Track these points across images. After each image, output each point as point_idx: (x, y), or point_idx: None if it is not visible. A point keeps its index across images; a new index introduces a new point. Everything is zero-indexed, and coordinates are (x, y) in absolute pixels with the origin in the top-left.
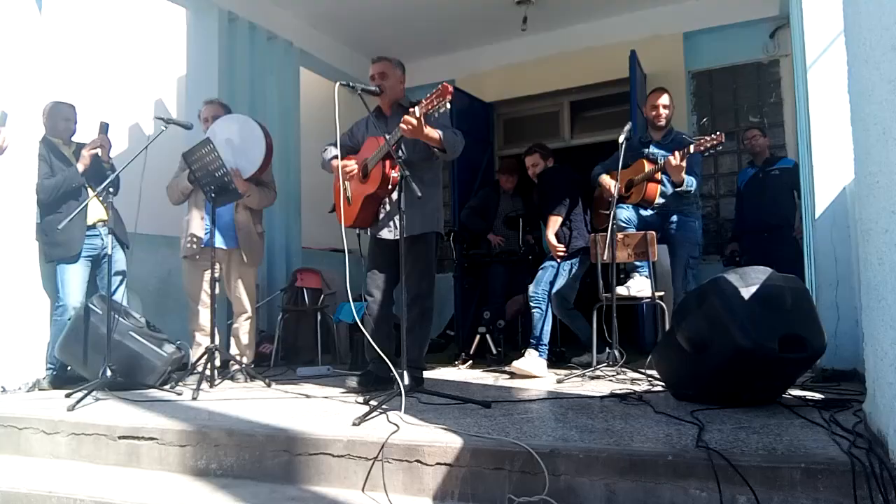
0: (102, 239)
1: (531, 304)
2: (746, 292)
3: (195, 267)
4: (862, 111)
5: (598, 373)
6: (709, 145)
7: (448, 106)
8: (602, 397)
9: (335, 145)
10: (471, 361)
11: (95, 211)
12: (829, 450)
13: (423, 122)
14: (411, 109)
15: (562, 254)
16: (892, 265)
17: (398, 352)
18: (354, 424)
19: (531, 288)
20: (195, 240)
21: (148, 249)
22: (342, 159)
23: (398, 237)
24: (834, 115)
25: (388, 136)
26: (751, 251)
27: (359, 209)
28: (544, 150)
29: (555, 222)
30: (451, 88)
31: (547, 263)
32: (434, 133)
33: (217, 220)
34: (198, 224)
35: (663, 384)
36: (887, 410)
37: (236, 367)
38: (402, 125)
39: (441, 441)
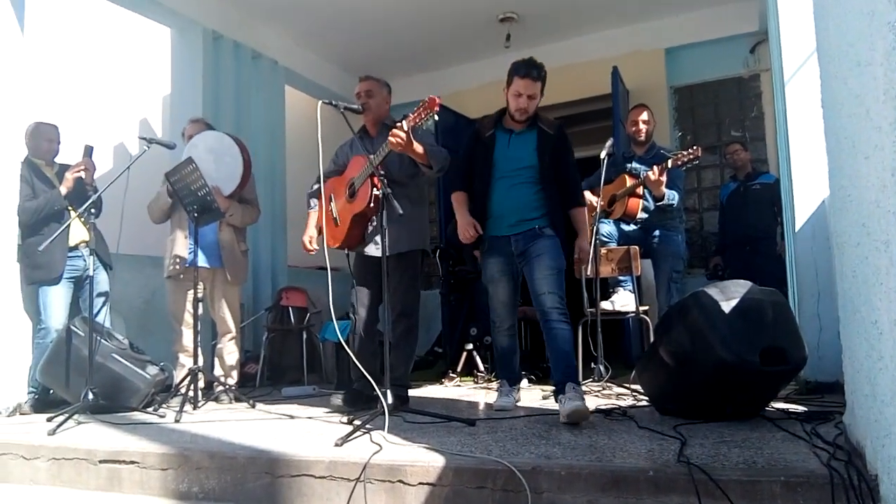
0: (85, 260)
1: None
2: (727, 306)
3: (179, 287)
4: (834, 125)
5: (583, 388)
6: (685, 160)
7: (436, 118)
8: None
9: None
10: (458, 378)
11: (78, 232)
12: (810, 462)
13: (410, 135)
14: (399, 123)
15: None
16: (865, 278)
17: (383, 369)
18: (337, 445)
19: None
20: (179, 261)
21: (132, 270)
22: (329, 183)
23: (382, 254)
24: (811, 129)
25: (371, 156)
26: (734, 265)
27: (347, 229)
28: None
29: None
30: (438, 100)
31: None
32: (419, 149)
33: (200, 240)
34: (182, 245)
35: (648, 399)
36: (864, 422)
37: (220, 388)
38: (390, 138)
39: (423, 461)
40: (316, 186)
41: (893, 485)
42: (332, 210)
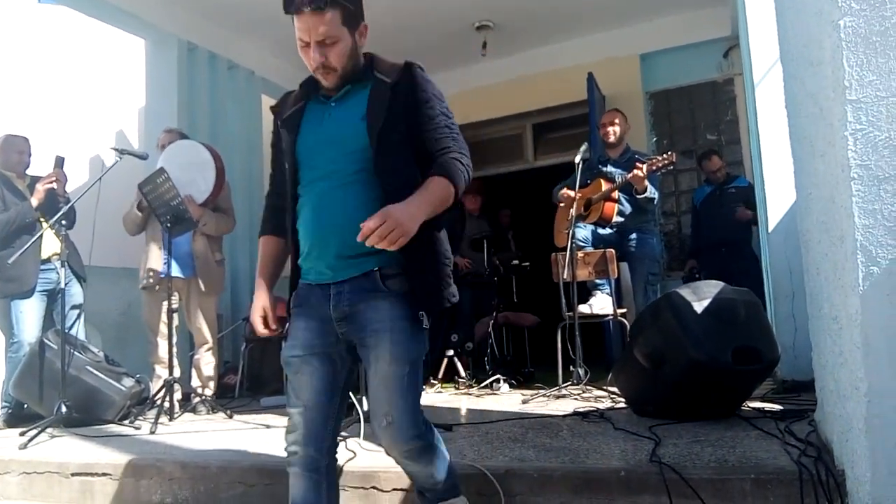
0: (58, 273)
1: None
2: (699, 306)
3: (155, 298)
4: (795, 126)
5: (563, 392)
6: (660, 164)
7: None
8: (564, 416)
9: None
10: (439, 385)
11: (50, 244)
12: (780, 460)
13: None
14: None
15: None
16: (826, 275)
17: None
18: None
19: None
20: (152, 274)
21: (107, 282)
22: None
23: None
24: (781, 131)
25: None
26: (709, 267)
27: None
28: None
29: None
30: None
31: None
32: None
33: (174, 250)
34: (156, 257)
35: (625, 401)
36: (832, 418)
37: (198, 399)
38: None
39: (397, 467)
40: None
41: (858, 480)
42: None
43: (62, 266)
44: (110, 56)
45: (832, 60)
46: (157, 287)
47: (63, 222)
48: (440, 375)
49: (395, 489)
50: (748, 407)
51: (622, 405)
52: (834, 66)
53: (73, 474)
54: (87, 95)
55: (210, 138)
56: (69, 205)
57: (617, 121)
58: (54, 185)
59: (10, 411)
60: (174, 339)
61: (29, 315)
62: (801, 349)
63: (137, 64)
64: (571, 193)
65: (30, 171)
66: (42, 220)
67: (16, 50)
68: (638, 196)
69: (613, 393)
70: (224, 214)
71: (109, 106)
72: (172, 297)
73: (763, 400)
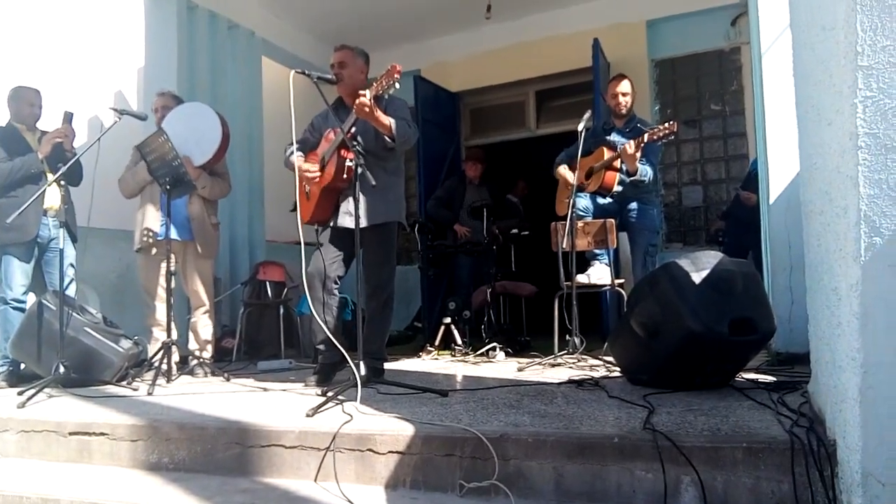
0: (50, 229)
1: None
2: (697, 277)
3: (151, 261)
4: (803, 94)
5: (558, 360)
6: (661, 134)
7: (397, 86)
8: (559, 384)
9: (299, 149)
10: (436, 352)
11: (50, 198)
12: (773, 430)
13: (373, 103)
14: (361, 92)
15: None
16: (827, 245)
17: (352, 342)
18: (308, 416)
19: None
20: (150, 233)
21: (106, 244)
22: (307, 158)
23: (356, 225)
24: (787, 100)
25: (341, 126)
26: (732, 233)
27: (316, 203)
28: None
29: None
30: (399, 68)
31: None
32: (385, 119)
33: (172, 213)
34: (152, 217)
35: (620, 370)
36: (825, 389)
37: (195, 362)
38: (356, 109)
39: (393, 429)
40: (290, 151)
41: (849, 449)
42: (304, 185)
43: (60, 226)
44: (109, 13)
45: (845, 24)
46: (155, 250)
47: (62, 182)
48: (437, 342)
49: (390, 451)
50: (742, 378)
51: (617, 374)
52: (847, 30)
53: (70, 433)
54: (86, 54)
55: (210, 100)
56: (74, 158)
57: (628, 89)
58: (62, 140)
59: (10, 370)
60: (172, 302)
61: (17, 270)
62: (797, 322)
63: (137, 23)
64: (570, 178)
65: (40, 125)
66: (47, 173)
67: (18, 7)
68: (630, 179)
69: (608, 362)
70: (220, 178)
71: (108, 65)
72: (171, 260)
73: (757, 371)
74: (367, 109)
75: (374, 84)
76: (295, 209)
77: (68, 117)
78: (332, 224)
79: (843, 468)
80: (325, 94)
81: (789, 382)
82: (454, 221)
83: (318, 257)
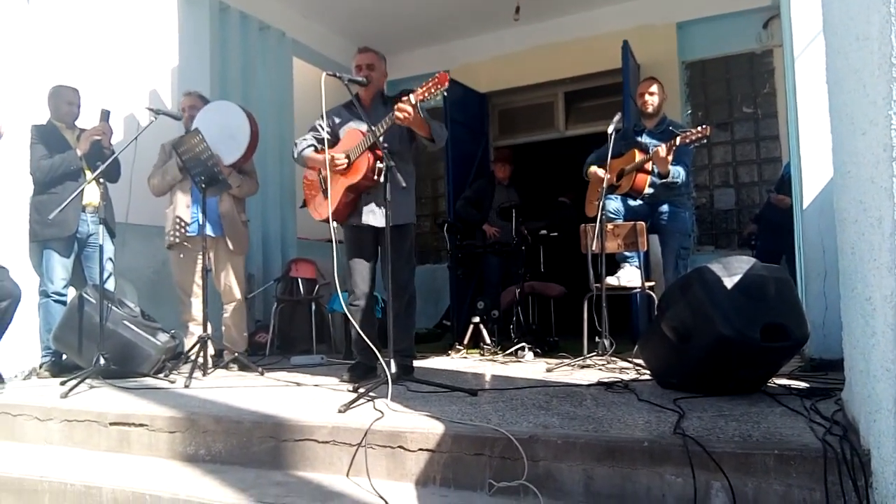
0: (89, 224)
1: None
2: (729, 282)
3: (185, 258)
4: (836, 102)
5: (588, 362)
6: (694, 138)
7: (444, 94)
8: (588, 386)
9: (312, 145)
10: (464, 351)
11: (89, 195)
12: (805, 437)
13: (417, 109)
14: (405, 97)
15: None
16: (861, 255)
17: (382, 340)
18: (340, 411)
19: None
20: (181, 223)
21: (142, 240)
22: (320, 151)
23: (386, 224)
24: (820, 104)
25: (373, 127)
26: (765, 237)
27: (338, 201)
28: None
29: None
30: (447, 77)
31: None
32: (426, 123)
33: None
34: (184, 208)
35: (650, 373)
36: (859, 398)
37: (230, 356)
38: (396, 113)
39: (423, 427)
40: (303, 146)
41: (883, 460)
42: (320, 182)
43: (99, 222)
44: (144, 14)
45: (880, 35)
46: (188, 244)
47: (100, 180)
48: (466, 341)
49: (420, 449)
50: (774, 384)
51: (647, 377)
52: (881, 41)
53: (111, 424)
54: (122, 53)
55: (241, 100)
56: (113, 156)
57: (655, 90)
58: (100, 138)
59: (52, 360)
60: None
61: (58, 265)
62: (831, 328)
63: (171, 23)
64: (600, 174)
65: (78, 123)
66: (86, 170)
67: (55, 8)
68: (659, 180)
69: (638, 365)
70: (248, 177)
71: (143, 65)
72: (206, 255)
73: (790, 377)
74: (408, 118)
75: (420, 90)
76: (304, 206)
77: (105, 115)
78: (353, 223)
79: (878, 478)
80: (352, 93)
81: (823, 389)
82: (483, 221)
83: (361, 276)
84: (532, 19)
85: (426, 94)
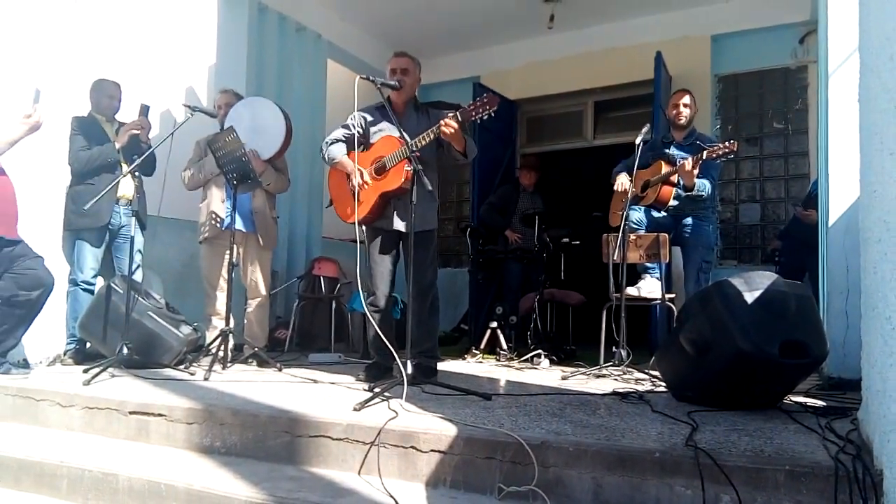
0: (121, 216)
1: None
2: (750, 296)
3: (215, 251)
4: (867, 120)
5: (604, 372)
6: (721, 153)
7: (492, 115)
8: (603, 395)
9: (342, 141)
10: (481, 355)
11: (123, 187)
12: (817, 454)
13: (462, 127)
14: (452, 114)
15: None
16: (883, 274)
17: (400, 341)
18: (355, 410)
19: None
20: (216, 217)
21: (172, 233)
22: (349, 153)
23: (413, 230)
24: (851, 122)
25: (414, 140)
26: (789, 254)
27: (371, 206)
28: None
29: None
30: (497, 100)
31: None
32: (463, 139)
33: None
34: (218, 203)
35: (665, 385)
36: (875, 418)
37: (250, 350)
38: (443, 128)
39: (436, 429)
40: (333, 145)
41: None
42: (350, 184)
43: (132, 215)
44: (185, 13)
45: None
46: (220, 239)
47: (136, 174)
48: (482, 346)
49: (432, 450)
50: (790, 401)
51: (662, 389)
52: None
53: (130, 412)
54: (162, 50)
55: (276, 100)
56: (149, 150)
57: (689, 101)
58: (138, 132)
59: (76, 348)
60: (231, 292)
61: (90, 254)
62: (851, 347)
63: (210, 22)
64: (626, 184)
65: (118, 117)
66: (123, 163)
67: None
68: (684, 193)
69: (654, 376)
70: (281, 173)
71: (182, 62)
72: (234, 250)
73: (807, 395)
74: (453, 135)
75: (469, 109)
76: (331, 205)
77: (144, 110)
78: (380, 226)
79: (890, 499)
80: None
81: (839, 408)
82: (506, 227)
83: (381, 277)
84: (565, 28)
85: (474, 114)
